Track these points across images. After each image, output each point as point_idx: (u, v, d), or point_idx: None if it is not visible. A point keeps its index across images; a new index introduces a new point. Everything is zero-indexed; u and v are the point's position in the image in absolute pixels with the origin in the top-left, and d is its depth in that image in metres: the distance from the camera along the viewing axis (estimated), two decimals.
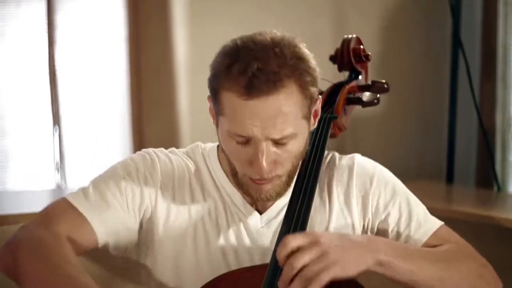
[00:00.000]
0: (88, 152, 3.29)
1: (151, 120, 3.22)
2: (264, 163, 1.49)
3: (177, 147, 1.74)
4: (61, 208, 1.58)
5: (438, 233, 1.68)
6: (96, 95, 3.27)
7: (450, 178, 3.43)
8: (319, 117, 1.62)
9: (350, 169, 1.70)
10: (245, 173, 1.55)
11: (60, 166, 3.26)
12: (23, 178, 3.22)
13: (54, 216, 1.56)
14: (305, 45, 1.56)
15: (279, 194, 1.59)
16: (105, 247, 1.62)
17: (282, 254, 1.42)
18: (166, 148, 1.73)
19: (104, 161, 3.26)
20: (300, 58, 1.51)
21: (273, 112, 1.47)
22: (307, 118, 1.54)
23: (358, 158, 1.73)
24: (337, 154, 1.74)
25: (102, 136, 3.30)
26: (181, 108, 3.20)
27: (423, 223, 1.68)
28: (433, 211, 1.74)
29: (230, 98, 1.49)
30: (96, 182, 1.63)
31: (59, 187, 3.24)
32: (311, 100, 1.54)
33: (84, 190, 1.61)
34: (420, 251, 1.60)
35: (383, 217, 1.69)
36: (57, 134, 3.24)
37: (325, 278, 1.40)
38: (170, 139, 3.16)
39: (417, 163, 3.62)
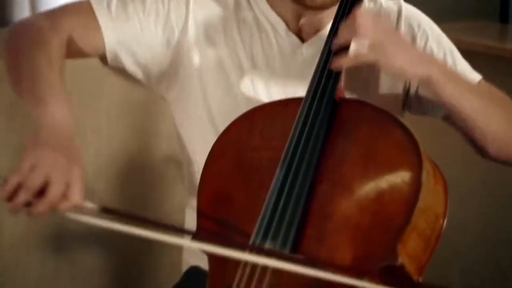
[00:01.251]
0: None
1: None
2: None
3: None
4: (78, 7, 1.54)
5: (481, 84, 1.63)
6: None
7: (504, 18, 3.39)
8: None
9: (398, 11, 1.63)
10: None
11: None
12: None
13: (68, 11, 1.53)
14: None
15: (333, 2, 1.52)
16: (117, 62, 1.56)
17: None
18: None
19: None
20: None
21: None
22: None
23: (404, 3, 1.66)
24: None
25: None
26: None
27: (468, 74, 1.62)
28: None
29: None
30: None
31: None
32: None
33: None
34: (471, 84, 1.58)
35: None
36: None
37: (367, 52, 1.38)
38: None
39: (470, 2, 3.57)
